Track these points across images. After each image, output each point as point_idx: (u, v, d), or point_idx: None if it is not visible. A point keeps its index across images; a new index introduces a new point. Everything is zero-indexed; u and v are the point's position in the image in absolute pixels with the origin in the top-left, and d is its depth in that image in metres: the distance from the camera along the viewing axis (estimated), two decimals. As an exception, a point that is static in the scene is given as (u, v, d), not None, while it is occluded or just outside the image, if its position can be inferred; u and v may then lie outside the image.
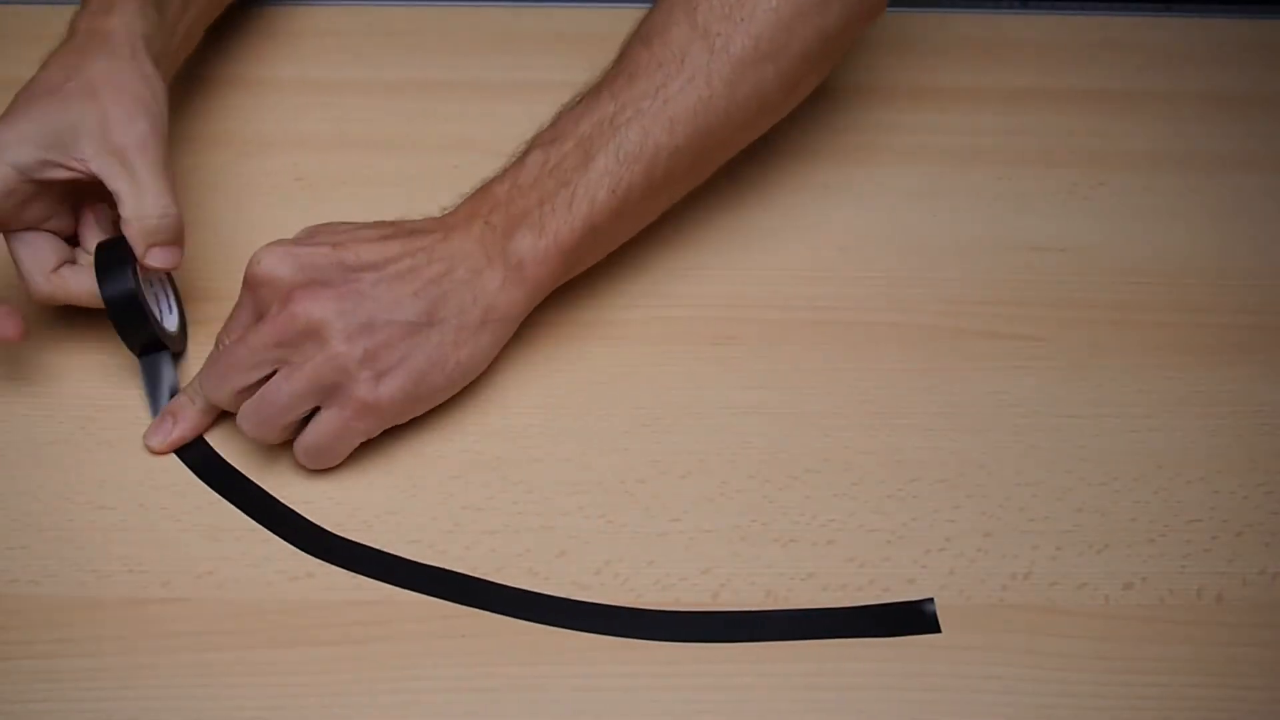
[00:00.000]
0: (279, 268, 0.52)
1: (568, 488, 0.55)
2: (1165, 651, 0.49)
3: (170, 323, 0.59)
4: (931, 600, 0.51)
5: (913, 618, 0.50)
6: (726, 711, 0.48)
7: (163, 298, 0.60)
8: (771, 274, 0.64)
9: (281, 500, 0.54)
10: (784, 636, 0.50)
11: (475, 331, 0.55)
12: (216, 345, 0.56)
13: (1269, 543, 0.53)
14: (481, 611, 0.50)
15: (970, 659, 0.49)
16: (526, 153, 0.58)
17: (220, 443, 0.56)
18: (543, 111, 0.70)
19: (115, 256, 0.56)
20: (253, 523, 0.53)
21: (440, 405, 0.57)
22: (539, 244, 0.56)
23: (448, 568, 0.52)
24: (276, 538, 0.53)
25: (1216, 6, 0.83)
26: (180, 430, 0.55)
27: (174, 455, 0.55)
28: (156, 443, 0.55)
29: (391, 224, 0.57)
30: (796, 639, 0.50)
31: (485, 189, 0.57)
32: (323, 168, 0.70)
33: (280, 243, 0.54)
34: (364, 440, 0.54)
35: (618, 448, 0.56)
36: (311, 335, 0.52)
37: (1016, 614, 0.50)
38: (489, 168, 0.70)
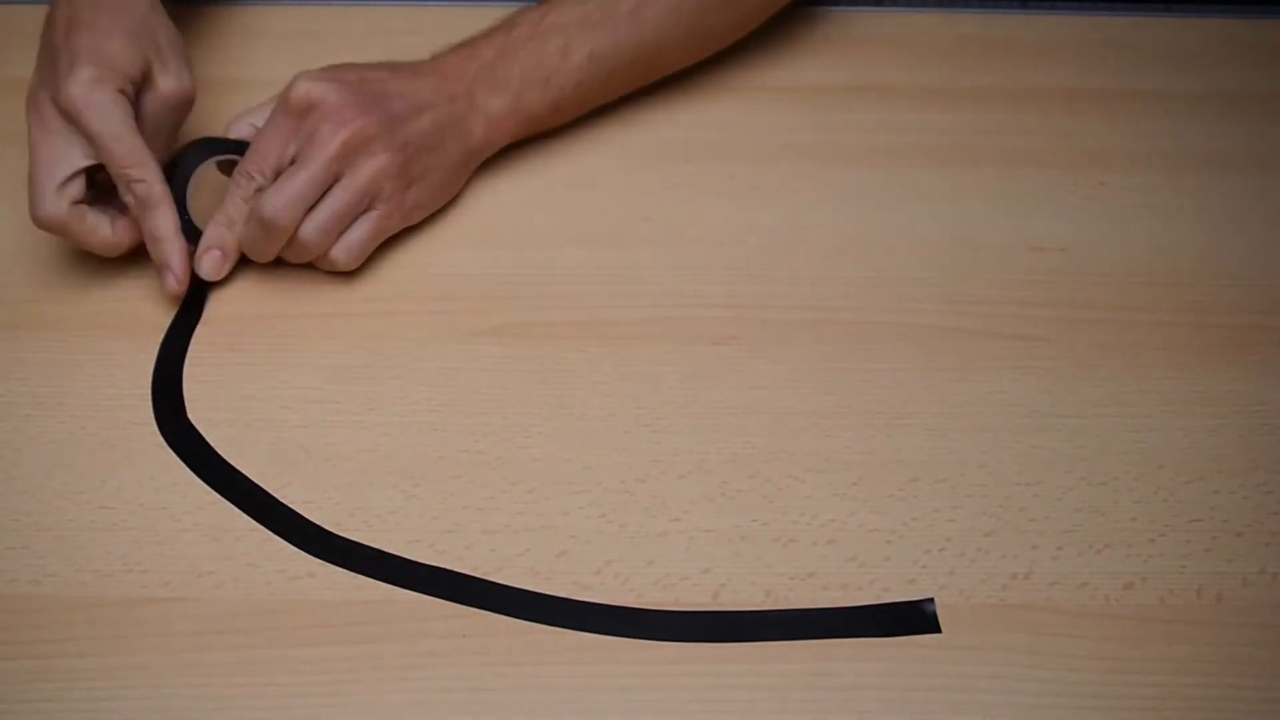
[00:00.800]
0: (329, 93, 0.60)
1: (568, 488, 0.55)
2: (1165, 651, 0.49)
3: None
4: (931, 600, 0.51)
5: (913, 618, 0.50)
6: (727, 711, 0.48)
7: None
8: (771, 274, 0.64)
9: (282, 500, 0.54)
10: (784, 636, 0.50)
11: (464, 160, 0.66)
12: (246, 177, 0.61)
13: (1269, 543, 0.53)
14: (481, 611, 0.50)
15: (970, 659, 0.49)
16: (514, 24, 0.67)
17: (221, 442, 0.56)
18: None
19: (194, 146, 0.63)
20: (253, 523, 0.53)
21: (440, 405, 0.57)
22: (517, 108, 0.66)
23: (448, 568, 0.52)
24: (276, 538, 0.53)
25: (1216, 6, 0.83)
26: (229, 260, 0.62)
27: (174, 455, 0.56)
28: (212, 272, 0.61)
29: (389, 64, 0.65)
30: (796, 639, 0.50)
31: (472, 47, 0.66)
32: (323, 168, 0.70)
33: (311, 73, 0.61)
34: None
35: (618, 448, 0.56)
36: (362, 149, 0.60)
37: (1016, 614, 0.50)
38: (486, 166, 0.70)
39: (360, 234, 0.62)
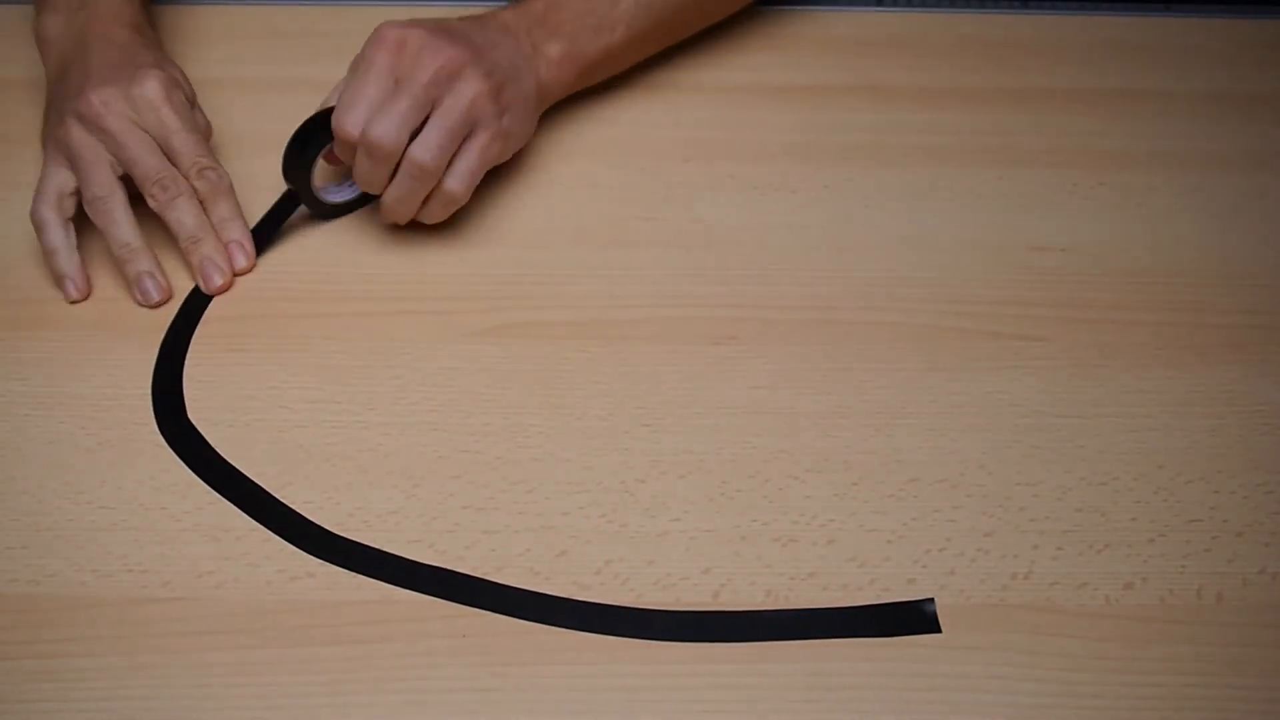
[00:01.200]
0: (417, 33, 0.62)
1: (568, 488, 0.55)
2: (1165, 651, 0.49)
3: (337, 195, 0.67)
4: (931, 600, 0.51)
5: (913, 618, 0.50)
6: (727, 711, 0.48)
7: (352, 184, 0.67)
8: (771, 274, 0.64)
9: (282, 500, 0.54)
10: (784, 636, 0.50)
11: (539, 97, 0.68)
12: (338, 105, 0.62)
13: (1269, 543, 0.53)
14: (481, 611, 0.50)
15: (970, 659, 0.49)
16: None
17: (221, 442, 0.56)
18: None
19: (314, 124, 0.64)
20: (253, 523, 0.53)
21: (440, 405, 0.57)
22: (572, 51, 0.69)
23: (448, 568, 0.52)
24: (276, 538, 0.53)
25: (1216, 6, 0.83)
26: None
27: (174, 455, 0.56)
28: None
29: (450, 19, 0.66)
30: (796, 639, 0.50)
31: (523, 2, 0.69)
32: (322, 166, 0.70)
33: (393, 22, 0.63)
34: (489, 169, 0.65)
35: (618, 448, 0.56)
36: (457, 76, 0.61)
37: (1016, 614, 0.50)
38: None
39: (468, 160, 0.63)
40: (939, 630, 0.50)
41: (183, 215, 0.63)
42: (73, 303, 0.62)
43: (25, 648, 0.49)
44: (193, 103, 0.67)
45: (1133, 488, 0.55)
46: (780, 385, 0.59)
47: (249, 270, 0.64)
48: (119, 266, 0.62)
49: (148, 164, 0.62)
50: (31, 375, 0.59)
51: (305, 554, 0.52)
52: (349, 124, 0.61)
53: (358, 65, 0.62)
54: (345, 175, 0.67)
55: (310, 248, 0.66)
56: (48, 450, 0.56)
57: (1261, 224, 0.68)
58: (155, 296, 0.62)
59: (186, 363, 0.60)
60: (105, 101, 0.62)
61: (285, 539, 0.53)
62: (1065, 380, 0.59)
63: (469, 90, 0.62)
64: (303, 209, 0.67)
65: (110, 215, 0.62)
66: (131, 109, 0.63)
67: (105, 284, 0.63)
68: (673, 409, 0.58)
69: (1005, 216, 0.68)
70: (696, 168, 0.70)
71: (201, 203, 0.64)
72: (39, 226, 0.62)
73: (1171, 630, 0.50)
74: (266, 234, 0.65)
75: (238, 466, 0.55)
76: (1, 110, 0.73)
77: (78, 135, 0.62)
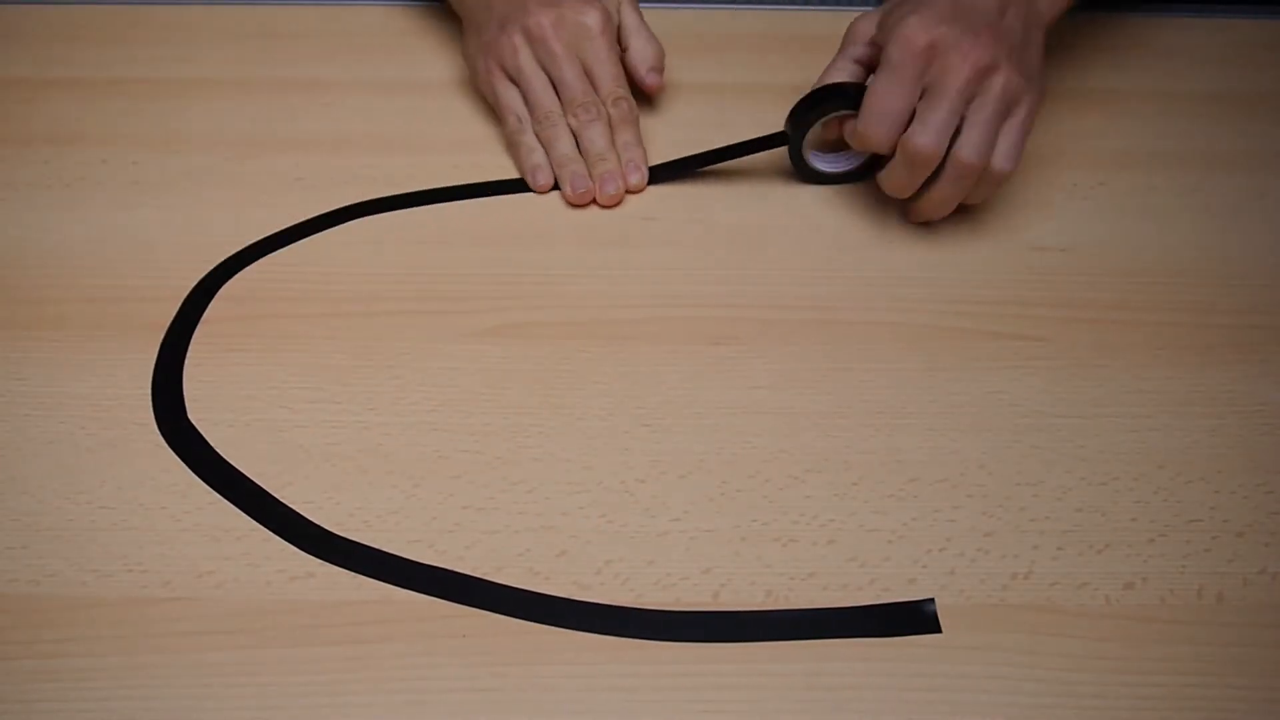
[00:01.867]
0: (940, 31, 0.62)
1: (568, 488, 0.55)
2: (1166, 651, 0.49)
3: (825, 163, 0.70)
4: (931, 600, 0.51)
5: (913, 618, 0.50)
6: (727, 711, 0.48)
7: (845, 159, 0.70)
8: (771, 274, 0.64)
9: (282, 500, 0.54)
10: (784, 636, 0.50)
11: (1043, 41, 0.67)
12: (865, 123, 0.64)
13: (1269, 543, 0.53)
14: (481, 611, 0.50)
15: (970, 659, 0.49)
16: None
17: (221, 442, 0.56)
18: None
19: (814, 98, 0.67)
20: (253, 523, 0.53)
21: (440, 405, 0.57)
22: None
23: (448, 568, 0.52)
24: (276, 538, 0.53)
25: (1216, 6, 0.83)
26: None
27: (174, 455, 0.56)
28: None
29: None
30: (796, 639, 0.50)
31: None
32: (323, 168, 0.70)
33: (908, 18, 0.62)
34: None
35: (618, 448, 0.56)
36: (988, 73, 0.62)
37: (1016, 614, 0.50)
38: (489, 168, 0.71)
39: (1013, 137, 0.63)
40: (939, 630, 0.50)
41: (595, 136, 0.70)
42: (539, 190, 0.70)
43: (25, 648, 0.49)
44: (617, 36, 0.73)
45: (1133, 488, 0.55)
46: (780, 385, 0.59)
47: (640, 189, 0.70)
48: (556, 170, 0.70)
49: (576, 88, 0.70)
50: (31, 375, 0.59)
51: (305, 554, 0.52)
52: (877, 136, 0.63)
53: (887, 69, 0.63)
54: (835, 146, 0.69)
55: (310, 247, 0.66)
56: (48, 450, 0.56)
57: (1261, 224, 0.68)
58: (581, 189, 0.69)
59: (186, 363, 0.60)
60: (554, 24, 0.70)
61: (285, 539, 0.53)
62: (1065, 380, 0.59)
63: (1000, 80, 0.62)
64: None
65: (556, 133, 0.70)
66: (571, 34, 0.70)
67: (106, 284, 0.63)
68: (673, 409, 0.58)
69: (1005, 217, 0.68)
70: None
71: (611, 127, 0.70)
72: (511, 138, 0.71)
73: (1171, 630, 0.50)
74: (673, 171, 0.71)
75: (238, 466, 0.55)
76: (1, 110, 0.73)
77: (525, 56, 0.70)
